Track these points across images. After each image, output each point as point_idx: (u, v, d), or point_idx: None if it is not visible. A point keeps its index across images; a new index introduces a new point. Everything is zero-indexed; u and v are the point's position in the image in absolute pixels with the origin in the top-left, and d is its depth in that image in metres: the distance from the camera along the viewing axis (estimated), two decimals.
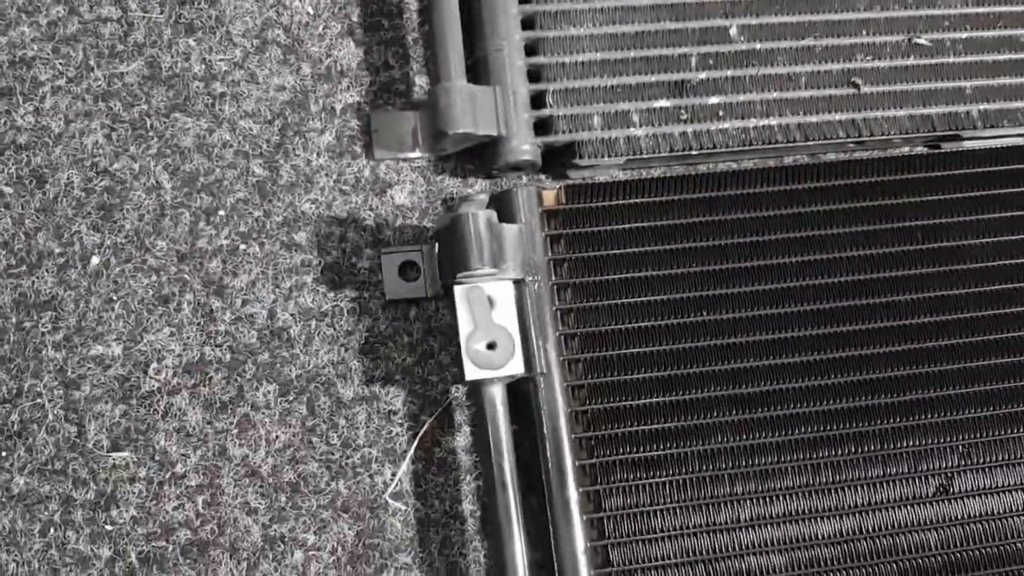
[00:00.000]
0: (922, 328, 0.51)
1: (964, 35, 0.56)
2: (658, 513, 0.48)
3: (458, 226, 0.46)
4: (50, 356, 0.49)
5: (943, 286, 0.52)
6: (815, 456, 0.50)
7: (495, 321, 0.47)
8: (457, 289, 0.46)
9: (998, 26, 0.57)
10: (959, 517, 0.50)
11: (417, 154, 0.53)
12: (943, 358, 0.51)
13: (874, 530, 0.50)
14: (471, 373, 0.46)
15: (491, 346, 0.47)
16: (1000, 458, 0.51)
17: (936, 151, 0.56)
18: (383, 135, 0.52)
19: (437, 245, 0.49)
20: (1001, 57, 0.56)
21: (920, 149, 0.57)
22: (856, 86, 0.54)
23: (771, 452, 0.49)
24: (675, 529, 0.48)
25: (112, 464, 0.49)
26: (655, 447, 0.49)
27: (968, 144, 0.56)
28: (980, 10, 0.57)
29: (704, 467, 0.49)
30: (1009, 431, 0.51)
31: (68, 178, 0.50)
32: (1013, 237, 0.54)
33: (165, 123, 0.52)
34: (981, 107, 0.56)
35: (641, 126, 0.52)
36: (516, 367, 0.47)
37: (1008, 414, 0.51)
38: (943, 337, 0.51)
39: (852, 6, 0.55)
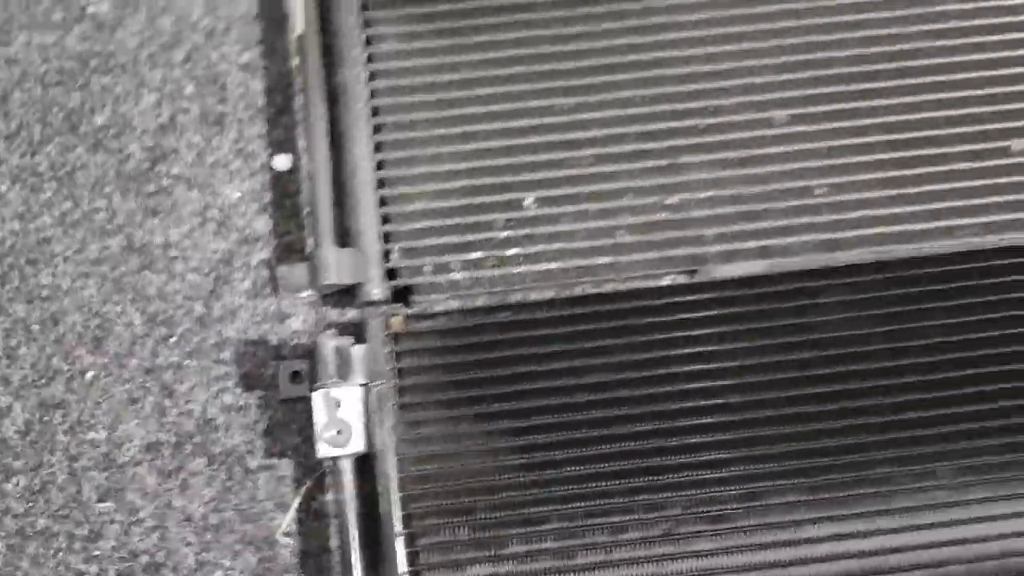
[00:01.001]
0: (654, 432, 0.71)
1: (707, 194, 0.76)
2: (455, 547, 0.69)
3: (315, 351, 0.69)
4: (60, 439, 0.73)
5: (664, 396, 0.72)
6: (576, 507, 0.70)
7: (340, 415, 0.69)
8: (314, 395, 0.69)
9: (735, 187, 0.76)
10: (682, 553, 0.69)
11: (308, 293, 0.75)
12: (665, 452, 0.71)
13: (619, 563, 0.69)
14: (322, 452, 0.68)
15: (339, 432, 0.69)
16: (708, 511, 0.70)
17: (690, 280, 0.76)
18: (285, 281, 0.75)
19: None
20: (733, 210, 0.75)
21: (682, 278, 0.76)
22: (615, 236, 0.75)
23: (535, 504, 0.70)
24: (466, 560, 0.69)
25: (99, 511, 0.72)
26: (453, 500, 0.70)
27: (716, 272, 0.76)
28: (721, 175, 0.76)
29: (490, 516, 0.69)
30: (712, 490, 0.70)
31: (73, 320, 0.75)
32: (737, 345, 0.73)
33: (137, 279, 0.76)
34: (718, 248, 0.75)
35: (460, 272, 0.74)
36: (357, 446, 0.69)
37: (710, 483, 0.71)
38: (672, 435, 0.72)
39: (617, 179, 0.76)
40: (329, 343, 0.69)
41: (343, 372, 0.69)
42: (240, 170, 0.78)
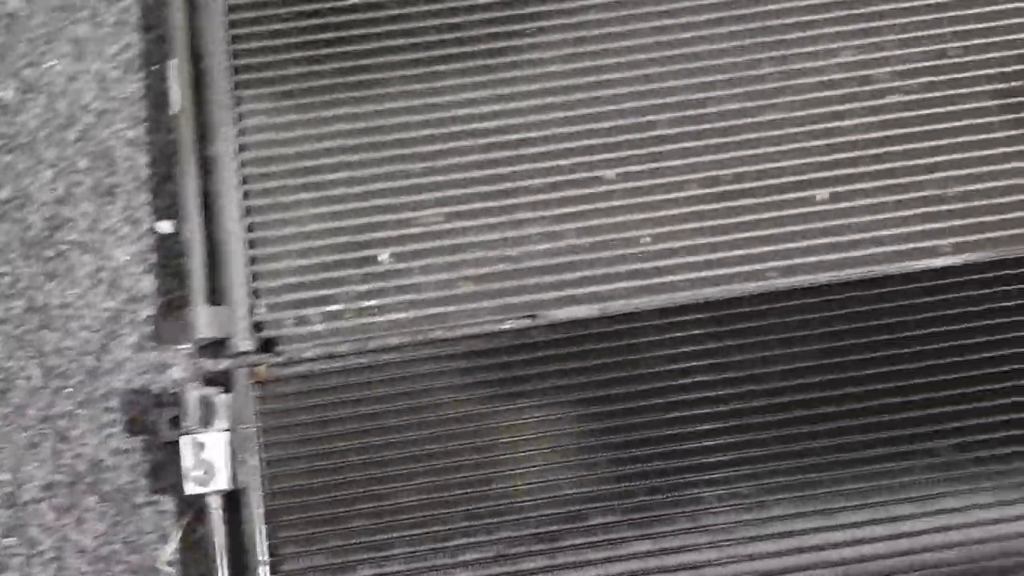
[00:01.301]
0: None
1: (544, 246, 0.84)
2: (312, 573, 0.77)
3: (178, 400, 0.78)
4: None
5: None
6: (418, 533, 0.78)
7: (206, 457, 0.77)
8: (181, 439, 0.78)
9: (569, 239, 0.84)
10: (515, 572, 0.78)
11: (187, 345, 0.84)
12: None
13: None
14: (189, 490, 0.77)
15: (205, 472, 0.78)
16: (540, 533, 0.78)
17: (530, 324, 0.84)
18: (165, 335, 0.84)
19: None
20: (567, 259, 0.83)
21: (523, 322, 0.84)
22: (461, 287, 0.83)
23: (382, 531, 0.78)
24: None
25: (4, 546, 0.81)
26: (312, 530, 0.78)
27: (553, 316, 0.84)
28: (557, 228, 0.84)
29: (342, 544, 0.78)
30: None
31: None
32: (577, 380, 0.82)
33: (37, 336, 0.85)
34: (554, 294, 0.83)
35: (320, 323, 0.83)
36: (221, 484, 0.78)
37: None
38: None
39: (463, 234, 0.84)
40: (193, 394, 0.78)
41: (207, 419, 0.78)
42: (128, 235, 0.87)
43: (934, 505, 0.77)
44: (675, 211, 0.84)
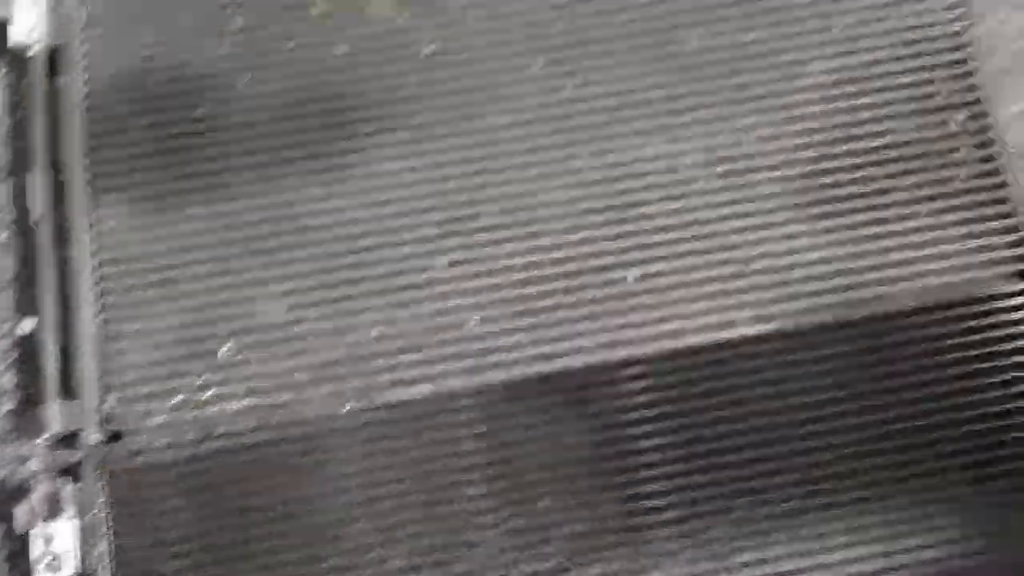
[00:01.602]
0: None
1: (377, 332, 0.90)
2: None
3: (29, 495, 0.83)
4: None
5: None
6: None
7: (54, 547, 0.82)
8: (30, 532, 0.82)
9: (401, 325, 0.90)
10: None
11: (43, 438, 0.89)
12: None
13: None
14: None
15: (54, 559, 0.82)
16: None
17: (365, 406, 0.90)
18: (22, 429, 0.89)
19: None
20: (400, 344, 0.89)
21: (359, 404, 0.90)
22: (299, 374, 0.89)
23: None
24: None
25: None
26: None
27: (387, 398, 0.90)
28: (390, 315, 0.91)
29: None
30: None
31: None
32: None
33: None
34: (387, 377, 0.89)
35: (165, 415, 0.88)
36: (69, 571, 0.82)
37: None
38: None
39: (302, 324, 0.90)
40: (40, 486, 0.84)
41: (56, 509, 0.83)
42: None
43: (731, 559, 0.82)
44: (500, 295, 0.91)
